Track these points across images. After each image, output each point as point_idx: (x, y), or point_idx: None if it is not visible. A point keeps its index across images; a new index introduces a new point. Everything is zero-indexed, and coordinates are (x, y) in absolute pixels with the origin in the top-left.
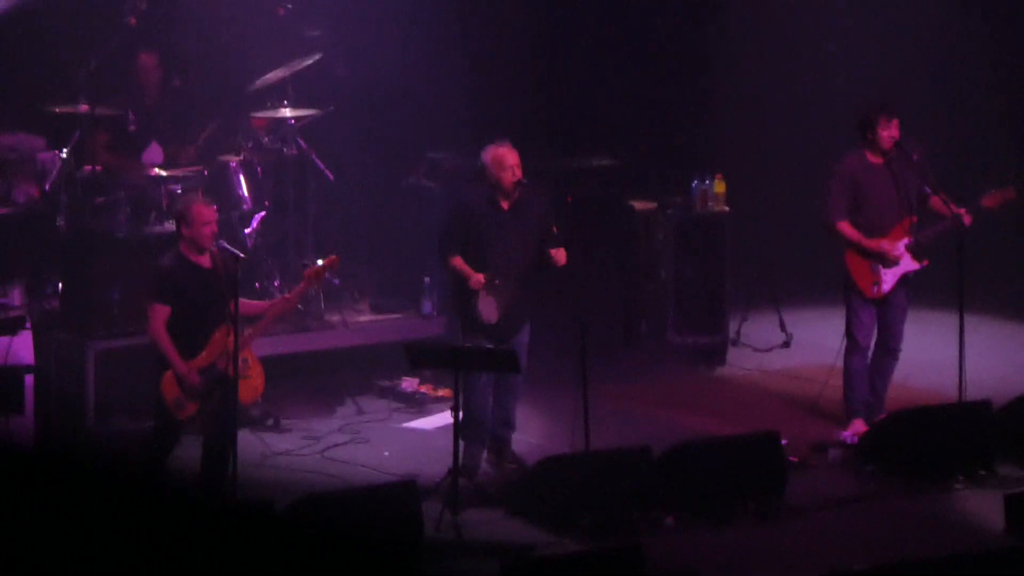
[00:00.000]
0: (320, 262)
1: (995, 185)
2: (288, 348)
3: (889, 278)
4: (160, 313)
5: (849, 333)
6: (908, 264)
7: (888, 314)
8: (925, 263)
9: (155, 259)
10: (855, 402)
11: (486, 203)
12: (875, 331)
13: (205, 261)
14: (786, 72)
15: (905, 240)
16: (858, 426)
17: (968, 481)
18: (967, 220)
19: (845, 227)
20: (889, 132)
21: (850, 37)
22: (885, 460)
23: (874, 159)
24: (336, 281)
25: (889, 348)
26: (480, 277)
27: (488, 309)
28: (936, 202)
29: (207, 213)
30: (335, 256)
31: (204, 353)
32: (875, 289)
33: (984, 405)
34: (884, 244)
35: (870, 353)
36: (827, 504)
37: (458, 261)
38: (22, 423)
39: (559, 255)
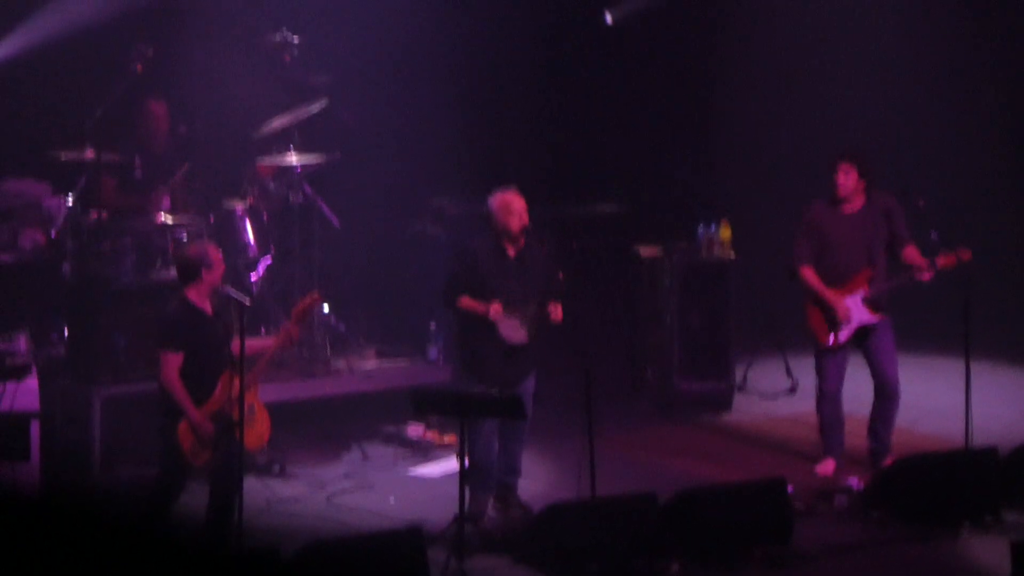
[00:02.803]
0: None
1: (948, 246)
2: (294, 395)
3: (844, 329)
4: (173, 361)
5: (818, 381)
6: (864, 316)
7: (874, 360)
8: (883, 316)
9: (161, 307)
10: (829, 445)
11: (491, 249)
12: (843, 376)
13: (207, 307)
14: (791, 117)
15: (861, 292)
16: (828, 465)
17: (975, 528)
18: (927, 276)
19: (807, 273)
20: (842, 179)
21: (857, 83)
22: (891, 507)
23: (843, 208)
24: (342, 327)
25: (885, 394)
26: (497, 304)
27: (513, 332)
28: (909, 252)
29: (219, 254)
30: (315, 293)
31: (211, 400)
32: (831, 338)
33: (991, 452)
34: (837, 300)
35: (840, 398)
36: (834, 551)
37: (466, 301)
38: (28, 470)
39: (556, 312)
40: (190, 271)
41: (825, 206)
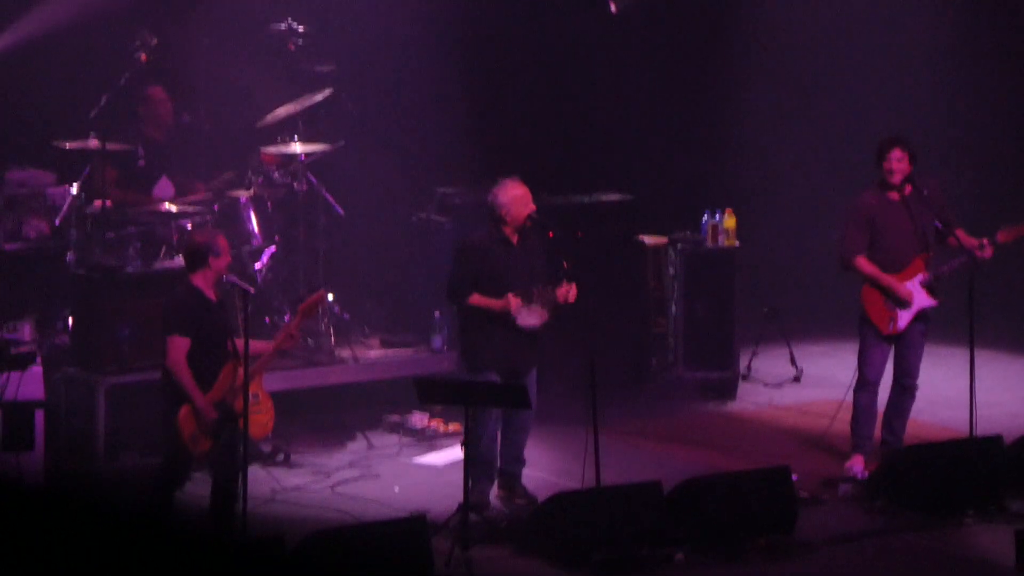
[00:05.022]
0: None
1: (1009, 220)
2: (298, 383)
3: (905, 314)
4: (181, 345)
5: (859, 368)
6: (923, 300)
7: (904, 351)
8: (940, 299)
9: (169, 293)
10: (859, 437)
11: (495, 241)
12: (884, 369)
13: (213, 295)
14: (796, 106)
15: (920, 276)
16: (858, 462)
17: (979, 517)
18: (989, 252)
19: (862, 262)
20: (897, 165)
21: (863, 72)
22: (896, 495)
23: (891, 195)
24: (346, 316)
25: (904, 385)
26: (515, 298)
27: (532, 317)
28: (952, 238)
29: (227, 243)
30: (322, 291)
31: (213, 388)
32: (891, 325)
33: (995, 441)
34: (898, 283)
35: (878, 389)
36: (837, 540)
37: (477, 299)
38: (32, 459)
39: (569, 293)
40: (197, 257)
41: (874, 194)
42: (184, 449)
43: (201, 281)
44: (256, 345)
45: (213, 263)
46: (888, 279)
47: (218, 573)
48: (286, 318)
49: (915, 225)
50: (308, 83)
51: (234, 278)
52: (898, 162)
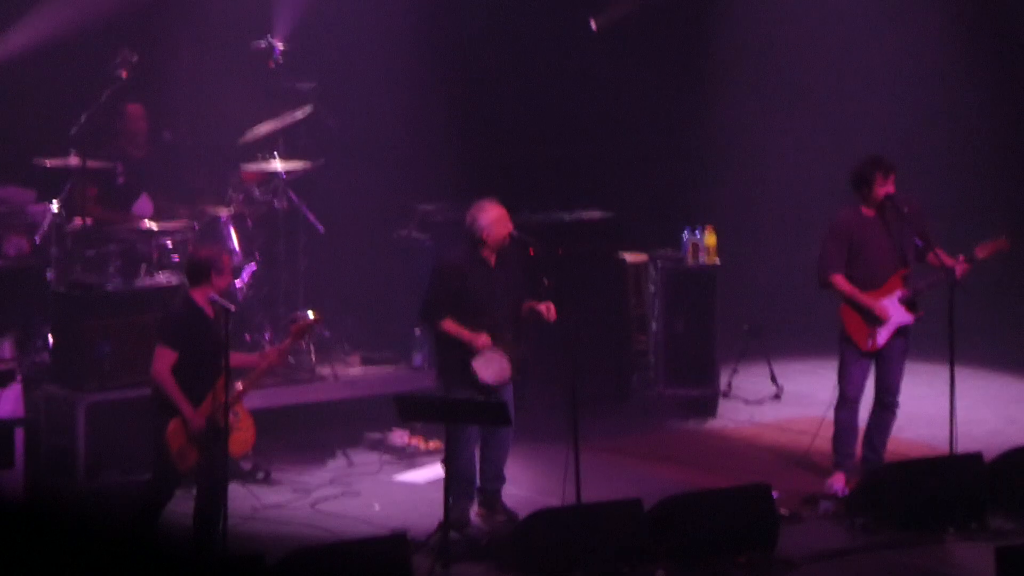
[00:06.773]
0: (311, 314)
1: (988, 236)
2: (279, 401)
3: (884, 331)
4: (168, 356)
5: (840, 386)
6: (902, 317)
7: (884, 368)
8: (919, 315)
9: (166, 304)
10: (840, 455)
11: (474, 262)
12: (864, 386)
13: (209, 310)
14: (777, 124)
15: (899, 293)
16: (838, 479)
17: (959, 534)
18: (961, 270)
19: (839, 280)
20: (885, 188)
21: (844, 88)
22: (876, 513)
23: (868, 213)
24: (327, 333)
25: (884, 402)
26: (485, 337)
27: (491, 369)
28: (931, 255)
29: (230, 261)
30: (318, 315)
31: (206, 403)
32: (870, 342)
33: (975, 457)
34: (875, 302)
35: (859, 407)
36: (818, 557)
37: (450, 325)
38: (12, 477)
39: (548, 310)
40: (200, 272)
41: (852, 212)
42: (172, 464)
43: (200, 296)
44: (246, 359)
45: (215, 279)
46: (864, 298)
47: None
48: (266, 335)
49: (893, 242)
50: (289, 101)
51: (215, 295)
52: (892, 184)
